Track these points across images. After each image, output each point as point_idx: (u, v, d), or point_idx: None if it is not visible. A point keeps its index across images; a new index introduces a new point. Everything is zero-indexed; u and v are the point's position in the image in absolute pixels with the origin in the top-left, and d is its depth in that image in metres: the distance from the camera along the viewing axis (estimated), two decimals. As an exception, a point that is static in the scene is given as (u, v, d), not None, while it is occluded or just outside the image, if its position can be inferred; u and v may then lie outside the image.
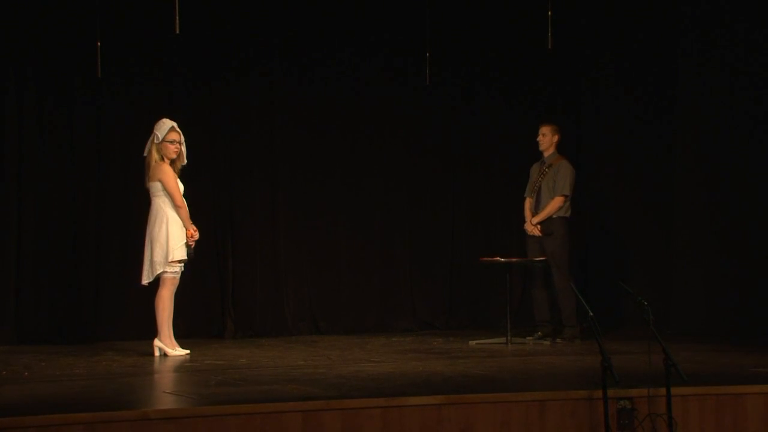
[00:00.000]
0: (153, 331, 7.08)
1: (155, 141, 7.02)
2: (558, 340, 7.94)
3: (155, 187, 7.00)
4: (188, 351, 7.13)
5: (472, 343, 7.90)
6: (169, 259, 6.91)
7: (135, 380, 5.99)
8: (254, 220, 8.69)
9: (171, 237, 6.92)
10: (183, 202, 6.98)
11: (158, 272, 6.94)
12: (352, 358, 7.00)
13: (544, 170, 8.09)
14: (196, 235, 7.05)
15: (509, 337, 7.84)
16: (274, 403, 4.86)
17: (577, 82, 9.60)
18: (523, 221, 8.19)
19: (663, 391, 5.05)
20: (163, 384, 6.01)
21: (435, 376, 5.95)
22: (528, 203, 8.17)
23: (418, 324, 9.15)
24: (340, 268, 9.01)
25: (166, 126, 7.05)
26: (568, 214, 8.05)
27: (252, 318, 8.59)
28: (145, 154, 7.07)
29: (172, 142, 7.04)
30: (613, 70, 9.32)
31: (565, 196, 7.98)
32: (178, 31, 6.55)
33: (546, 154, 8.14)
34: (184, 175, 7.19)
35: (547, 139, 8.11)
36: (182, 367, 6.53)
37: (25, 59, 7.99)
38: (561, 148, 8.20)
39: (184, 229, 6.98)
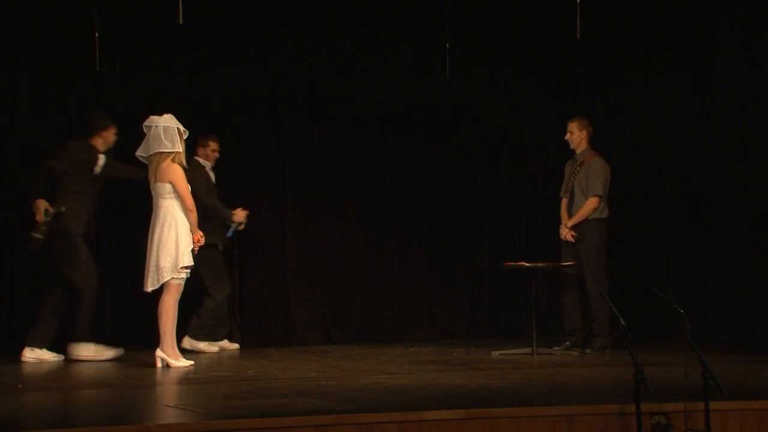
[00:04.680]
0: (155, 341, 7.11)
1: (184, 137, 7.04)
2: (587, 351, 7.93)
3: (164, 189, 6.98)
4: (192, 362, 7.15)
5: (495, 353, 7.89)
6: (179, 266, 6.93)
7: (136, 393, 6.01)
8: (261, 221, 8.71)
9: (180, 242, 6.92)
10: (194, 206, 7.00)
11: (165, 279, 6.94)
12: (366, 369, 7.00)
13: (576, 168, 8.07)
14: (202, 241, 7.07)
15: (535, 348, 7.83)
16: (284, 418, 4.87)
17: (608, 73, 9.57)
18: (559, 222, 8.16)
19: (701, 405, 5.03)
20: (165, 397, 6.03)
21: (455, 389, 5.95)
22: (564, 204, 8.15)
23: (437, 333, 9.15)
24: (354, 273, 9.02)
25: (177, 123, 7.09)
26: (604, 215, 8.01)
27: (259, 326, 8.62)
28: (175, 150, 6.96)
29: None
30: (646, 61, 9.28)
31: (599, 197, 7.95)
32: (181, 21, 6.57)
33: (578, 152, 8.12)
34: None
35: (575, 136, 8.08)
36: (186, 379, 6.55)
37: (19, 51, 8.05)
38: (594, 144, 8.18)
39: (190, 234, 7.01)
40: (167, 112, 7.14)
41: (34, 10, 8.05)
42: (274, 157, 8.80)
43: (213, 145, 8.27)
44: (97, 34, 7.48)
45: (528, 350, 7.85)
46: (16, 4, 8.00)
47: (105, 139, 7.79)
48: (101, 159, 7.72)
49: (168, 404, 5.66)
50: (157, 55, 8.41)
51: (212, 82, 8.59)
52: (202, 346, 8.06)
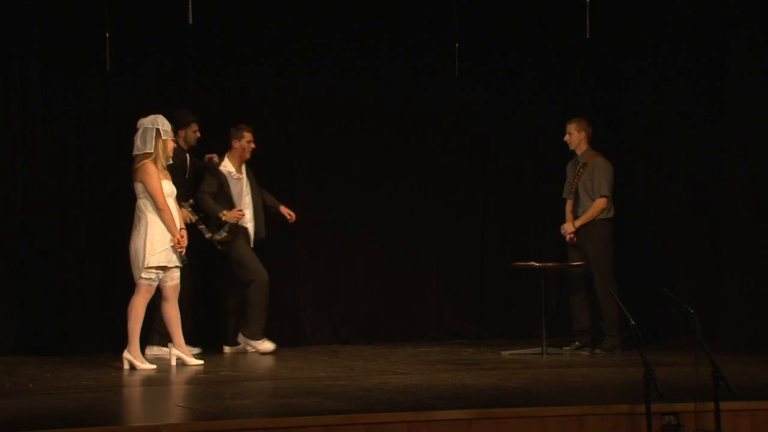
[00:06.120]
0: (168, 341, 7.12)
1: (162, 137, 7.00)
2: (597, 351, 7.91)
3: (138, 189, 6.99)
4: (201, 362, 7.16)
5: (505, 353, 7.89)
6: (142, 265, 6.88)
7: (145, 392, 6.02)
8: (269, 221, 8.69)
9: (149, 242, 6.89)
10: (165, 205, 6.93)
11: (136, 277, 6.93)
12: (376, 369, 7.01)
13: (579, 170, 8.06)
14: (184, 242, 7.01)
15: (544, 348, 7.82)
16: (293, 418, 4.87)
17: (618, 74, 9.54)
18: (563, 223, 8.14)
19: (711, 405, 5.02)
20: (174, 397, 6.04)
21: (465, 389, 5.94)
22: (569, 205, 8.13)
23: (447, 333, 9.14)
24: (362, 272, 9.02)
25: (165, 121, 7.05)
26: (610, 215, 8.01)
27: (267, 325, 8.59)
28: (146, 151, 6.97)
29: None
30: (656, 62, 9.25)
31: (606, 197, 7.94)
32: (191, 21, 6.58)
33: (578, 152, 8.11)
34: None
35: (574, 137, 8.07)
36: (195, 379, 6.56)
37: (29, 50, 8.06)
38: (595, 144, 8.16)
39: (168, 234, 6.96)
40: (172, 112, 7.17)
41: (44, 9, 8.06)
42: (283, 157, 8.80)
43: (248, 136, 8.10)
44: (107, 34, 7.48)
45: (537, 350, 7.83)
46: (27, 2, 8.01)
47: (186, 138, 7.71)
48: (187, 159, 7.73)
49: (177, 404, 5.66)
50: (166, 54, 8.41)
51: (221, 82, 8.58)
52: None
